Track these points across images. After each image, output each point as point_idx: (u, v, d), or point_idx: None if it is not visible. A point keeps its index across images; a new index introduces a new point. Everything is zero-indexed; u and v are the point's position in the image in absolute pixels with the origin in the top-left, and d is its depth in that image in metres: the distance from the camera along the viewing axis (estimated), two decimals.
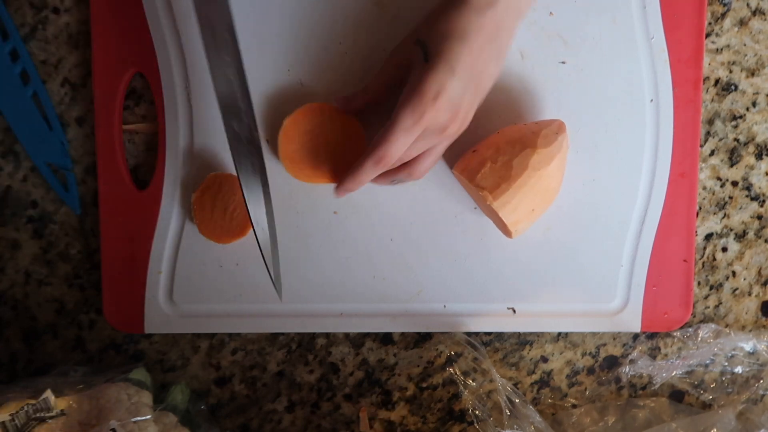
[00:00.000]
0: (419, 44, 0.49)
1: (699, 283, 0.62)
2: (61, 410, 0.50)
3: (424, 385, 0.63)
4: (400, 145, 0.49)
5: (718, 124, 0.61)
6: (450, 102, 0.48)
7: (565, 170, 0.56)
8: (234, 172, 0.58)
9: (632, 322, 0.61)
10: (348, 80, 0.58)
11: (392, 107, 0.50)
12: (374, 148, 0.49)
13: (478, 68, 0.48)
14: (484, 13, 0.47)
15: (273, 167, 0.59)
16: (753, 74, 0.61)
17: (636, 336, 0.62)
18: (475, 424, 0.58)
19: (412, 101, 0.47)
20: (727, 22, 0.60)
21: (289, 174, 0.58)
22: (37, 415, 0.50)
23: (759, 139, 0.61)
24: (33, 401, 0.50)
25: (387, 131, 0.49)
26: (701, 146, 0.61)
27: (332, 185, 0.58)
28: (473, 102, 0.50)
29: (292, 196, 0.59)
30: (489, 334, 0.62)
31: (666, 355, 0.63)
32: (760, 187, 0.62)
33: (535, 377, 0.63)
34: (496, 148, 0.53)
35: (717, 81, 0.60)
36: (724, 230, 0.62)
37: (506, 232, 0.55)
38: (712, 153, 0.61)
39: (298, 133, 0.57)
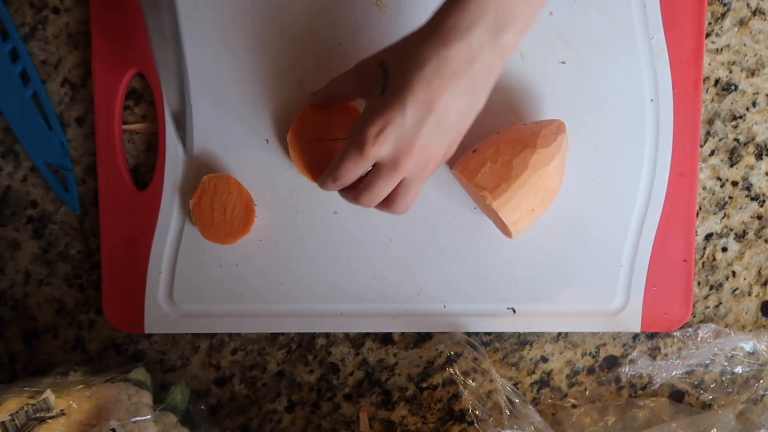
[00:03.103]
0: (382, 69, 0.47)
1: (699, 283, 0.62)
2: (61, 410, 0.50)
3: (424, 385, 0.63)
4: (350, 172, 0.47)
5: (718, 124, 0.61)
6: (396, 139, 0.45)
7: (564, 170, 0.56)
8: (229, 172, 0.59)
9: (632, 322, 0.61)
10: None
11: None
12: (331, 168, 0.48)
13: (440, 104, 0.44)
14: (452, 46, 0.43)
15: (276, 167, 0.59)
16: (753, 74, 0.61)
17: (636, 336, 0.62)
18: (475, 424, 0.58)
19: (357, 134, 0.46)
20: (727, 22, 0.60)
21: (305, 176, 0.57)
22: (37, 415, 0.50)
23: (759, 139, 0.61)
24: (33, 401, 0.50)
25: (339, 156, 0.47)
26: (701, 146, 0.61)
27: None
28: (436, 139, 0.46)
29: (293, 195, 0.59)
30: (489, 334, 0.62)
31: (666, 355, 0.63)
32: (760, 187, 0.62)
33: (535, 377, 0.63)
34: (496, 148, 0.53)
35: (717, 81, 0.60)
36: (724, 230, 0.62)
37: (506, 232, 0.55)
38: (712, 153, 0.61)
39: (308, 133, 0.56)
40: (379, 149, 0.45)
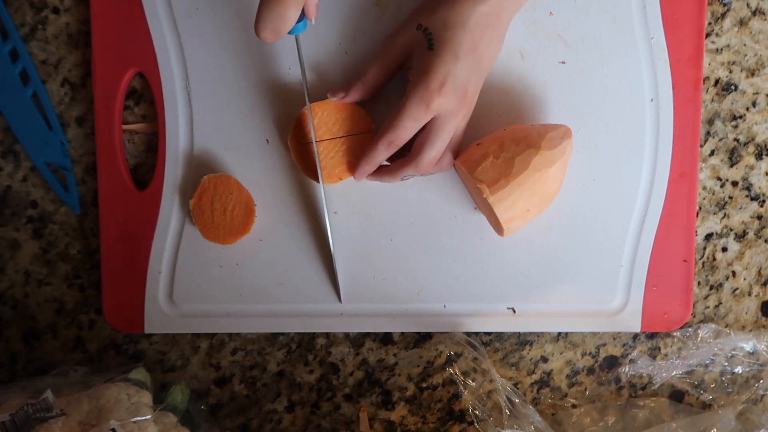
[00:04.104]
0: (422, 30, 0.51)
1: (699, 283, 0.62)
2: (61, 410, 0.50)
3: (424, 385, 0.63)
4: (408, 131, 0.51)
5: (718, 124, 0.61)
6: (456, 87, 0.50)
7: (565, 177, 0.56)
8: (229, 172, 0.58)
9: (632, 322, 0.61)
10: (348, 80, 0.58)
11: (394, 91, 0.53)
12: (384, 133, 0.52)
13: (480, 52, 0.51)
14: (486, 2, 0.49)
15: (276, 167, 0.59)
16: (753, 74, 0.61)
17: (636, 336, 0.62)
18: (475, 424, 0.58)
19: (419, 89, 0.50)
20: (727, 22, 0.60)
21: (306, 176, 0.58)
22: (37, 415, 0.50)
23: (759, 139, 0.61)
24: (33, 401, 0.50)
25: (396, 117, 0.51)
26: (701, 146, 0.61)
27: (334, 185, 0.58)
28: (478, 84, 0.52)
29: (293, 195, 0.59)
30: (489, 334, 0.62)
31: (666, 355, 0.63)
32: (760, 187, 0.62)
33: (535, 377, 0.63)
34: (500, 143, 0.54)
35: (717, 81, 0.60)
36: (724, 230, 0.62)
37: (499, 229, 0.55)
38: (712, 153, 0.61)
39: (309, 133, 0.56)
40: (443, 100, 0.50)
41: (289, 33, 0.48)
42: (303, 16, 0.50)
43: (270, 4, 0.45)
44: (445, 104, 0.51)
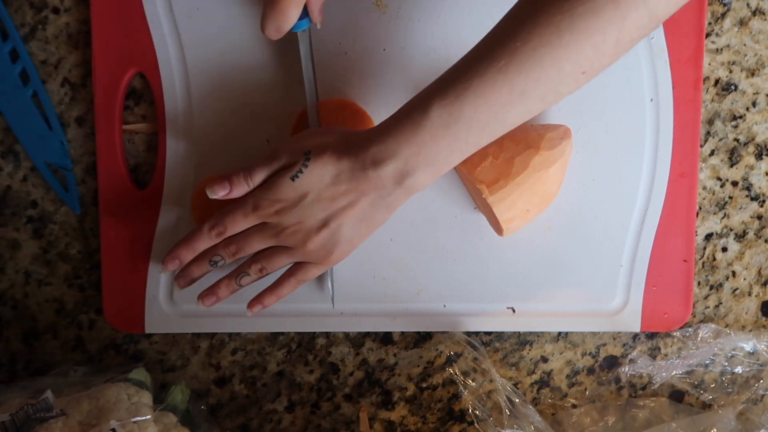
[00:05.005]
0: (305, 156, 0.48)
1: (699, 283, 0.62)
2: (61, 410, 0.50)
3: (424, 385, 0.63)
4: (236, 224, 0.51)
5: (718, 124, 0.61)
6: (286, 216, 0.49)
7: (564, 176, 0.56)
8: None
9: (632, 322, 0.61)
10: (348, 80, 0.58)
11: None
12: (215, 215, 0.51)
13: (335, 222, 0.49)
14: (365, 172, 0.47)
15: None
16: (753, 74, 0.61)
17: (636, 336, 0.62)
18: (475, 424, 0.58)
19: (265, 191, 0.49)
20: (727, 22, 0.60)
21: None
22: (37, 415, 0.50)
23: (759, 139, 0.61)
24: (33, 401, 0.50)
25: (232, 205, 0.51)
26: (701, 146, 0.61)
27: None
28: (325, 241, 0.50)
29: None
30: (489, 334, 0.62)
31: (666, 355, 0.63)
32: (760, 187, 0.62)
33: (535, 377, 0.63)
34: (500, 144, 0.54)
35: (717, 81, 0.60)
36: (724, 230, 0.62)
37: (498, 229, 0.55)
38: (712, 153, 0.61)
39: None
40: (279, 219, 0.49)
41: (292, 30, 0.50)
42: (306, 13, 0.51)
43: (272, 2, 0.47)
44: (275, 219, 0.50)
